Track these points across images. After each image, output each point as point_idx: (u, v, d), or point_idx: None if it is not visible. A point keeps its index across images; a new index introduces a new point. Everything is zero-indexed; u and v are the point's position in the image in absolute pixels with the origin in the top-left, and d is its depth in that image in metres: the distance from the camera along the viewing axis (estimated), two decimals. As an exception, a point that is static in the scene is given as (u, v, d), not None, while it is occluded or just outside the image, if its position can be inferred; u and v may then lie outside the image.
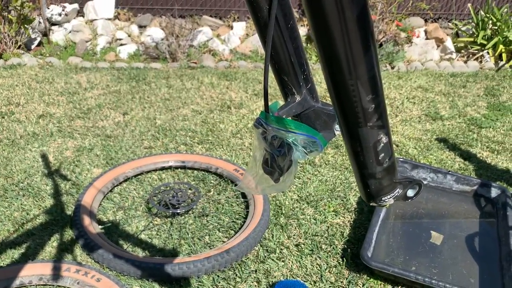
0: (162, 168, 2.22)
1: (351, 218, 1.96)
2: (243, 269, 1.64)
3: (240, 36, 4.18)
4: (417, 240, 1.82)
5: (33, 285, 1.50)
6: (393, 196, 0.54)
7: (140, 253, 1.71)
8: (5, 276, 1.48)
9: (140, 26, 4.22)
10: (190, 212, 1.94)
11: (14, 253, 1.66)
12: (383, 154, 0.48)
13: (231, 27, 4.29)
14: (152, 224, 1.86)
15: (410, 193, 0.56)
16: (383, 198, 0.54)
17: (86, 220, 1.75)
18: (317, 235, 1.84)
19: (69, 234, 1.76)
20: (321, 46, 0.38)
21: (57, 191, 2.03)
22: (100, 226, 1.79)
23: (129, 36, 4.05)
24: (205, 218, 1.91)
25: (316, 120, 0.57)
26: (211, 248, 1.74)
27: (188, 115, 2.83)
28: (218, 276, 1.60)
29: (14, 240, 1.73)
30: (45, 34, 3.88)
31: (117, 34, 4.02)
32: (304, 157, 0.54)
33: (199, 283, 1.57)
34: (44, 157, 2.30)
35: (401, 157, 2.33)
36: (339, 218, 1.95)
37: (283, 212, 1.96)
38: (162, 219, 1.89)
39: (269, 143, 0.51)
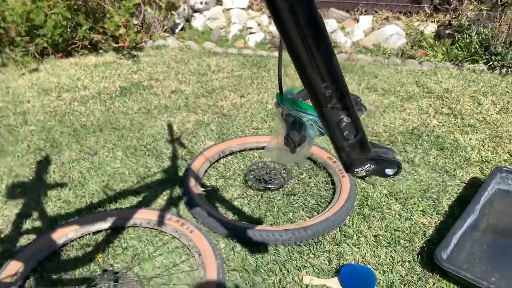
0: (264, 148, 2.44)
1: (438, 220, 1.94)
2: (317, 247, 1.78)
3: (364, 29, 4.18)
4: (505, 253, 1.75)
5: (142, 227, 1.84)
6: (364, 169, 0.64)
7: (230, 216, 1.95)
8: (124, 215, 1.85)
9: (270, 16, 4.49)
10: (280, 189, 2.12)
11: (134, 200, 2.03)
12: (347, 132, 0.59)
13: (357, 20, 4.32)
14: (246, 194, 2.09)
15: (389, 171, 0.66)
16: (355, 170, 0.64)
17: (192, 182, 2.05)
18: (398, 231, 1.88)
19: (177, 191, 2.08)
20: (286, 44, 0.51)
21: (175, 155, 2.38)
22: (202, 189, 2.08)
23: (258, 25, 4.35)
24: (293, 197, 2.08)
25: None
26: (291, 223, 1.90)
27: (298, 103, 3.01)
28: (293, 248, 1.76)
29: (135, 189, 2.11)
30: (188, 20, 4.39)
31: (248, 23, 4.35)
32: (316, 135, 0.67)
33: (275, 251, 1.75)
34: (169, 126, 2.69)
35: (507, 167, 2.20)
36: (426, 218, 1.95)
37: (369, 204, 2.03)
38: (254, 192, 2.11)
39: (284, 120, 0.66)
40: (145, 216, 1.84)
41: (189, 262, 1.70)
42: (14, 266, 1.58)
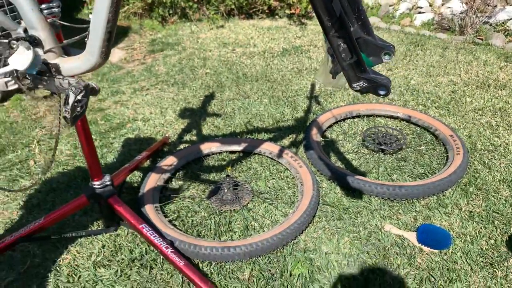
0: (391, 116, 2.61)
1: (547, 215, 1.90)
2: (408, 206, 1.95)
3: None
4: None
5: (265, 156, 2.27)
6: (359, 85, 0.89)
7: (337, 163, 2.24)
8: (254, 144, 2.30)
9: (447, -2, 4.37)
10: (393, 154, 2.31)
11: (264, 135, 2.47)
12: (344, 54, 0.85)
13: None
14: (360, 151, 2.34)
15: (381, 92, 0.89)
16: (353, 85, 0.89)
17: (314, 131, 2.39)
18: (497, 213, 1.92)
19: (300, 137, 2.45)
20: None
21: (308, 109, 2.74)
22: (321, 138, 2.40)
23: (430, 5, 4.30)
24: (403, 162, 2.25)
25: (367, 47, 0.95)
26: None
27: (442, 83, 3.03)
28: (385, 202, 1.98)
29: (268, 128, 2.55)
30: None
31: (419, 2, 4.33)
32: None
33: (368, 200, 1.99)
34: (312, 86, 3.04)
35: None
36: (534, 210, 1.93)
37: (476, 183, 2.08)
38: (368, 151, 2.34)
39: (326, 52, 0.95)
40: (269, 148, 2.26)
41: (292, 189, 2.07)
42: (171, 160, 2.18)
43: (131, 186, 2.12)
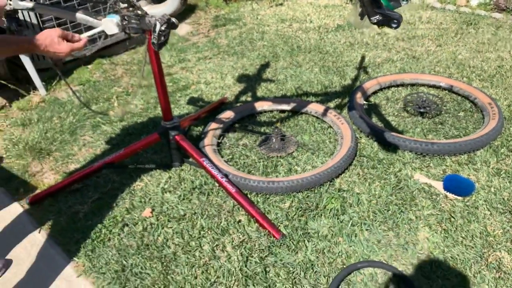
0: (434, 86, 2.77)
1: None
2: (439, 161, 2.14)
3: None
4: None
5: (311, 115, 2.53)
6: (376, 18, 1.12)
7: (377, 123, 2.45)
8: (301, 104, 2.56)
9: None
10: (431, 118, 2.48)
11: (312, 98, 2.73)
12: None
13: None
14: (400, 114, 2.54)
15: (393, 25, 1.12)
16: (371, 18, 1.13)
17: (358, 94, 2.61)
18: (525, 171, 2.06)
19: (345, 100, 2.68)
20: None
21: (356, 78, 2.95)
22: (365, 102, 2.62)
23: (489, -15, 4.28)
24: (440, 125, 2.42)
25: (388, -9, 1.19)
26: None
27: (490, 59, 3.11)
28: (418, 157, 2.18)
29: (316, 92, 2.80)
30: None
31: (478, -18, 4.33)
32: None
33: (402, 154, 2.20)
34: (362, 58, 3.24)
35: None
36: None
37: (508, 146, 2.21)
38: (408, 115, 2.53)
39: (356, -1, 1.20)
40: (315, 107, 2.51)
41: (333, 143, 2.32)
42: (228, 114, 2.50)
43: (194, 134, 2.47)
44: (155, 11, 1.36)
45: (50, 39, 1.22)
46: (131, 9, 1.31)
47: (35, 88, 2.99)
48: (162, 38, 1.25)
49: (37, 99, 2.92)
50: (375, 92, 2.76)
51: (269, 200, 1.97)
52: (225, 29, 4.00)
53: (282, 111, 2.61)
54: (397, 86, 2.81)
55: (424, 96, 2.62)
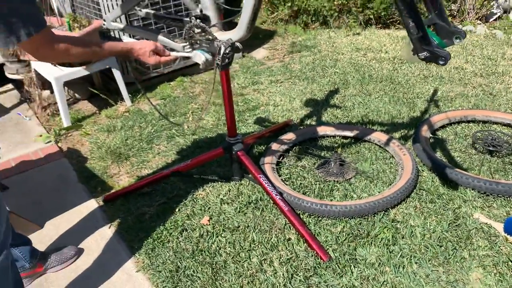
0: (508, 125, 2.65)
1: None
2: (503, 202, 2.06)
3: None
4: None
5: (374, 143, 2.54)
6: (423, 54, 1.16)
7: (441, 158, 2.40)
8: (365, 132, 2.59)
9: None
10: (501, 157, 2.39)
11: (377, 127, 2.74)
12: (411, 30, 1.14)
13: None
14: (467, 151, 2.47)
15: (440, 62, 1.15)
16: (419, 54, 1.17)
17: (424, 127, 2.57)
18: None
19: (411, 132, 2.66)
20: None
21: (426, 110, 2.92)
22: (430, 135, 2.58)
23: None
24: (509, 165, 2.32)
25: (441, 31, 1.23)
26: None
27: None
28: (481, 196, 2.10)
29: (383, 123, 2.80)
30: (506, 11, 4.46)
31: None
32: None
33: (463, 191, 2.14)
34: (435, 91, 3.19)
35: None
36: None
37: None
38: (476, 152, 2.46)
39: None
40: (378, 136, 2.53)
41: (394, 174, 2.32)
42: (291, 135, 2.60)
43: (256, 152, 2.59)
44: (224, 37, 1.51)
45: (144, 51, 1.42)
46: (203, 34, 1.48)
47: (122, 99, 3.31)
48: (226, 60, 1.39)
49: (122, 109, 3.24)
50: (443, 127, 2.70)
51: (321, 222, 2.02)
52: (300, 55, 4.14)
53: (345, 137, 2.66)
54: (468, 122, 2.74)
55: (495, 134, 2.52)
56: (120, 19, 1.82)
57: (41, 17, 1.18)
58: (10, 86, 3.77)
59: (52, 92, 3.47)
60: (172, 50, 1.53)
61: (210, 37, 1.45)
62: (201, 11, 1.55)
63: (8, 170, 2.64)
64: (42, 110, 3.29)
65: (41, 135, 2.98)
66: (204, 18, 1.53)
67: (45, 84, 3.39)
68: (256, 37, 4.63)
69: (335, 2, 4.65)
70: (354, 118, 2.89)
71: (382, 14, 4.60)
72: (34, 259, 1.80)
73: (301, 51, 4.22)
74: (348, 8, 4.72)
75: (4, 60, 3.43)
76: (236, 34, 1.48)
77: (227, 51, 1.38)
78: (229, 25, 1.65)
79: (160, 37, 1.53)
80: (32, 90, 3.37)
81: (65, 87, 3.32)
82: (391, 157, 2.44)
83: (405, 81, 3.38)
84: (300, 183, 2.30)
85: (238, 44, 1.41)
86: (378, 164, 2.40)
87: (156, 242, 1.99)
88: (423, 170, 2.33)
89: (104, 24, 1.84)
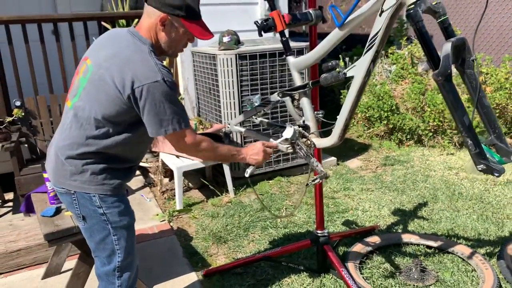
0: None
1: None
2: None
3: None
4: None
5: (457, 255, 2.63)
6: (481, 167, 1.39)
7: (528, 278, 2.40)
8: (449, 244, 2.70)
9: None
10: None
11: (463, 242, 2.82)
12: (470, 147, 1.40)
13: None
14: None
15: (495, 174, 1.37)
16: (477, 166, 1.40)
17: (510, 246, 2.62)
18: None
19: (497, 249, 2.70)
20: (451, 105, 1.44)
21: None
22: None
23: None
24: None
25: (500, 150, 1.49)
26: None
27: None
28: None
29: (468, 238, 2.88)
30: None
31: None
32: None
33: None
34: (529, 215, 3.19)
35: None
36: None
37: None
38: None
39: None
40: (461, 249, 2.63)
41: (474, 286, 2.37)
42: (375, 238, 2.80)
43: (340, 250, 2.82)
44: (320, 142, 1.91)
45: (257, 150, 1.83)
46: (304, 139, 1.89)
47: (227, 191, 3.81)
48: (318, 180, 1.79)
49: (226, 199, 3.71)
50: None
51: (396, 320, 2.14)
52: (392, 168, 4.39)
53: (428, 247, 2.78)
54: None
55: None
56: (240, 124, 2.34)
57: (187, 118, 1.64)
58: (137, 172, 4.53)
59: (170, 180, 4.12)
60: (277, 151, 1.95)
61: (309, 141, 1.86)
62: (303, 121, 1.99)
63: (130, 239, 3.16)
64: (161, 194, 3.91)
65: (157, 214, 3.52)
66: (305, 127, 1.96)
67: (167, 173, 4.05)
68: (351, 149, 5.02)
69: (430, 123, 4.93)
70: (439, 230, 3.01)
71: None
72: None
73: (394, 164, 4.48)
74: (443, 129, 4.96)
75: (139, 150, 4.20)
76: (330, 140, 1.87)
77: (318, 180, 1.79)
78: (324, 133, 2.06)
79: (271, 140, 1.97)
80: (155, 176, 4.04)
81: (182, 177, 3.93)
82: (473, 270, 2.50)
83: (496, 202, 3.44)
84: (381, 283, 2.45)
85: (328, 173, 1.80)
86: (460, 275, 2.48)
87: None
88: (506, 286, 2.35)
89: (228, 127, 2.38)
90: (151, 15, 1.56)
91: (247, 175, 1.84)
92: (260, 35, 1.93)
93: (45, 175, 2.35)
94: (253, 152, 1.82)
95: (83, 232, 1.72)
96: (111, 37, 1.63)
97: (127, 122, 1.57)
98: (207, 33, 1.60)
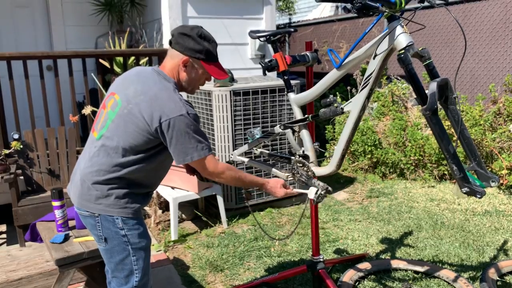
0: None
1: None
2: None
3: None
4: None
5: (443, 279, 2.80)
6: (465, 190, 1.59)
7: (509, 300, 2.58)
8: (435, 269, 2.87)
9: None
10: None
11: (447, 267, 3.00)
12: (455, 172, 1.60)
13: None
14: (534, 295, 2.63)
15: (478, 195, 1.57)
16: (462, 189, 1.60)
17: (492, 270, 2.80)
18: None
19: (480, 273, 2.88)
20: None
21: (496, 257, 3.13)
22: (497, 278, 2.79)
23: None
24: None
25: (480, 176, 1.69)
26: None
27: None
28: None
29: (452, 264, 3.06)
30: None
31: None
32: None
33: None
34: (505, 241, 3.40)
35: None
36: None
37: None
38: (545, 298, 2.61)
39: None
40: (447, 273, 2.80)
41: (461, 307, 2.54)
42: (366, 265, 2.95)
43: (334, 276, 2.96)
44: (319, 171, 2.09)
45: (276, 184, 1.99)
46: (305, 168, 2.07)
47: (220, 222, 3.92)
48: (319, 198, 1.94)
49: (219, 230, 3.83)
50: (511, 272, 2.90)
51: None
52: (377, 200, 4.60)
53: (416, 272, 2.94)
54: (537, 271, 2.91)
55: None
56: (243, 154, 2.52)
57: (209, 145, 1.80)
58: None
59: (163, 211, 4.22)
60: (292, 184, 2.12)
61: (309, 171, 2.04)
62: (303, 151, 2.18)
63: (128, 268, 3.23)
64: (155, 225, 3.99)
65: (153, 245, 3.60)
66: (305, 157, 2.15)
67: (161, 204, 4.15)
68: (338, 182, 5.23)
69: (412, 157, 5.20)
70: (425, 257, 3.19)
71: (456, 170, 5.01)
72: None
73: (379, 196, 4.69)
74: (423, 163, 5.23)
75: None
76: (328, 168, 2.05)
77: (322, 192, 1.94)
78: (320, 162, 2.25)
79: (274, 169, 2.15)
80: (150, 208, 4.14)
81: (177, 208, 4.04)
82: (459, 293, 2.67)
83: (476, 231, 3.65)
84: (373, 306, 2.59)
85: (330, 188, 1.95)
86: (447, 298, 2.64)
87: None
88: (490, 309, 2.52)
89: (231, 156, 2.55)
90: (174, 57, 1.76)
91: (247, 203, 1.97)
92: (264, 74, 2.14)
93: (53, 203, 2.44)
94: (277, 185, 1.96)
95: (102, 254, 1.83)
96: (137, 75, 1.81)
97: (150, 152, 1.73)
98: (223, 73, 1.80)
